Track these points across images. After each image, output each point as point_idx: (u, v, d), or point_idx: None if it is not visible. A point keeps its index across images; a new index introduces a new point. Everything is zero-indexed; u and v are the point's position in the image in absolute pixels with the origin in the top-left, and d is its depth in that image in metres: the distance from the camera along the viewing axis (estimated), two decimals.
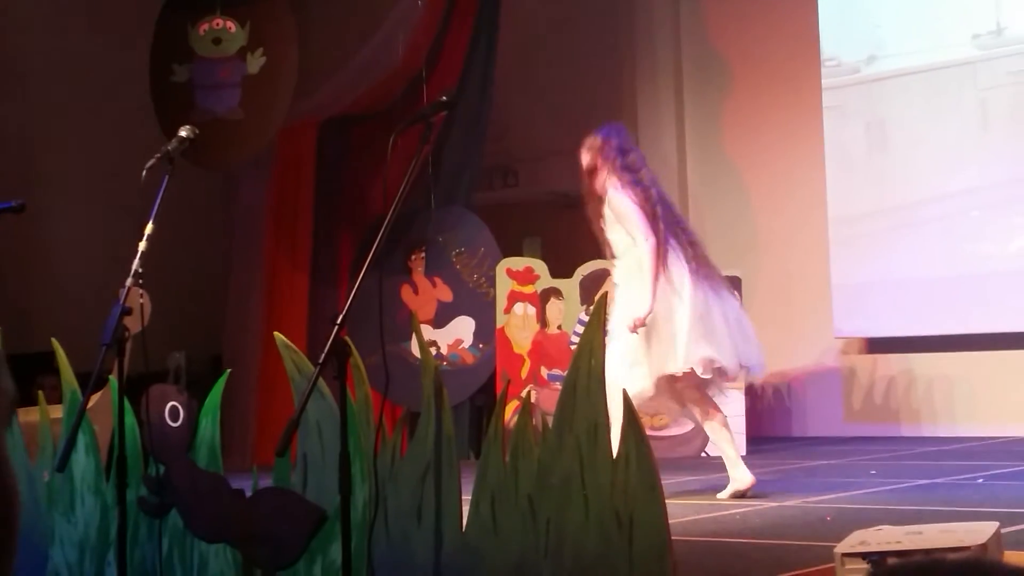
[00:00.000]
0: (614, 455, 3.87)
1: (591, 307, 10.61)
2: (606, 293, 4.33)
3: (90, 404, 4.88)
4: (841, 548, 3.93)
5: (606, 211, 7.20)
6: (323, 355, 3.93)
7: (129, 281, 4.56)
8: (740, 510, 6.30)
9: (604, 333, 3.97)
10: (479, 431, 11.15)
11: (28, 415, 5.80)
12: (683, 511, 6.08)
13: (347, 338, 4.07)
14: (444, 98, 4.29)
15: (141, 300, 4.71)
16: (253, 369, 11.41)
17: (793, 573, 4.29)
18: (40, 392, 5.69)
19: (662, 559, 3.80)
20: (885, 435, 11.29)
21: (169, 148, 4.70)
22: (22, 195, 7.18)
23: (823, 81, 11.70)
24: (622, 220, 7.13)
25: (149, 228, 4.64)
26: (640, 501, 3.83)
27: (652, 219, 7.12)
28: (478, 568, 4.14)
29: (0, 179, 10.03)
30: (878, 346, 11.81)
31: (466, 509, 4.21)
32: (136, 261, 4.58)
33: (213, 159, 10.77)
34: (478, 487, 4.17)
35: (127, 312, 4.49)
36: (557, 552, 3.97)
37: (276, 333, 4.73)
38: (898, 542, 3.87)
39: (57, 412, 5.54)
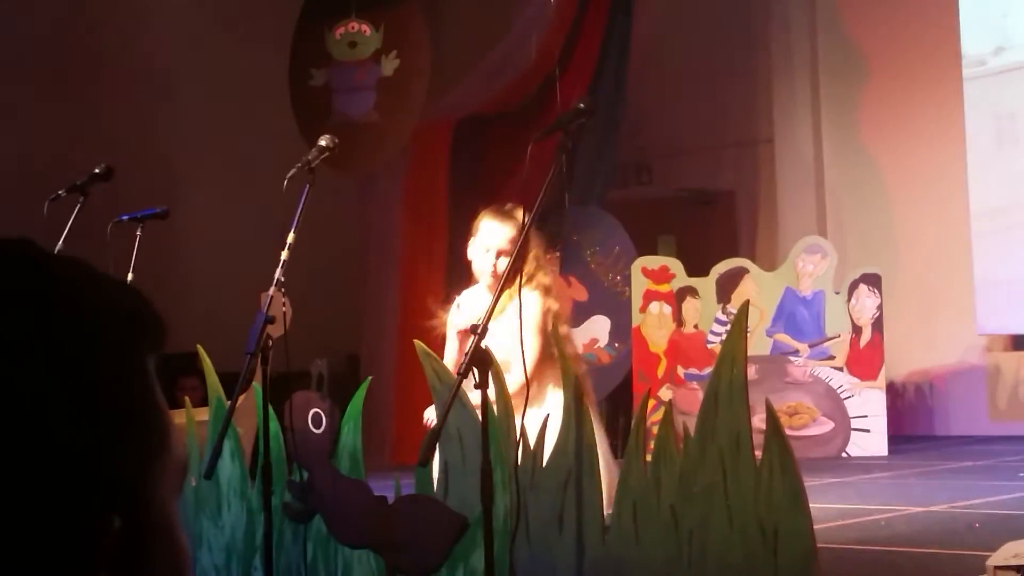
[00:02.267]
0: (757, 463, 3.83)
1: (727, 305, 10.52)
2: (748, 300, 4.27)
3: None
4: (994, 560, 3.84)
5: None
6: (464, 365, 3.94)
7: (272, 290, 4.62)
8: (886, 516, 6.20)
9: (746, 340, 3.92)
10: (615, 431, 11.12)
11: (174, 418, 5.92)
12: (826, 516, 5.99)
13: (487, 346, 4.06)
14: (582, 105, 4.27)
15: (284, 307, 4.76)
16: (390, 369, 11.49)
17: None
18: (186, 397, 5.78)
19: (808, 570, 3.75)
20: None
21: (309, 158, 4.75)
22: (165, 200, 7.34)
23: (964, 71, 11.48)
24: None
25: (291, 238, 4.69)
26: (785, 511, 3.78)
27: None
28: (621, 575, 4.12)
29: (145, 184, 10.22)
30: None
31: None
32: (278, 270, 4.63)
33: (350, 162, 10.86)
34: (620, 496, 4.15)
35: (270, 321, 4.55)
36: (700, 563, 3.94)
37: (416, 341, 4.74)
38: None
39: (202, 415, 5.63)
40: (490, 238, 5.23)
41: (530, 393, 4.26)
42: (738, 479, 3.87)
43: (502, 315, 4.62)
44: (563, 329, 4.98)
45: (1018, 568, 3.76)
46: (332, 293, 12.40)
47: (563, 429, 4.27)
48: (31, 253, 0.86)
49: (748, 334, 9.88)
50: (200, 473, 4.98)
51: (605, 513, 4.19)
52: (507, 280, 4.18)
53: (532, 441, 4.33)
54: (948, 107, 11.59)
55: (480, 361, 3.95)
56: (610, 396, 11.04)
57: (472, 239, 5.31)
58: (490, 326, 3.96)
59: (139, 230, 6.82)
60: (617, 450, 10.78)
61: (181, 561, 0.86)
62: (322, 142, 4.81)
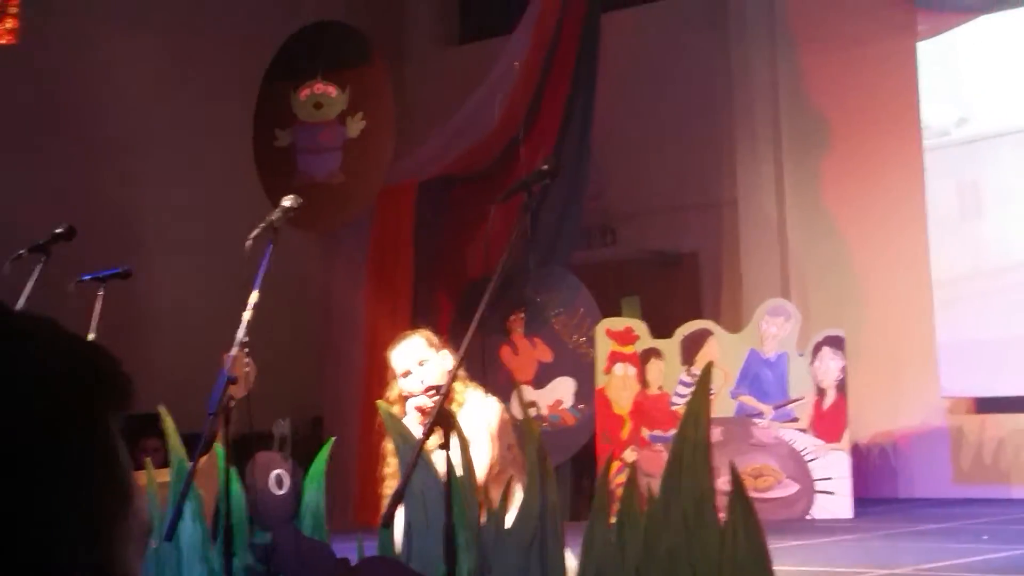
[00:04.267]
0: (721, 525, 3.82)
1: (691, 367, 10.53)
2: (711, 362, 4.27)
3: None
4: None
5: None
6: (427, 426, 3.92)
7: (234, 350, 4.59)
8: None
9: (709, 403, 3.92)
10: (579, 492, 11.09)
11: (135, 479, 5.86)
12: None
13: (452, 412, 4.06)
14: (545, 167, 4.28)
15: (247, 368, 4.74)
16: (354, 429, 11.44)
17: None
18: (147, 459, 5.73)
19: None
20: (996, 496, 11.06)
21: (273, 218, 4.74)
22: (128, 259, 7.31)
23: (926, 141, 11.60)
24: None
25: (254, 297, 4.67)
26: (748, 571, 3.77)
27: None
28: None
29: (105, 245, 10.18)
30: (987, 406, 11.60)
31: None
32: (241, 330, 4.61)
33: (314, 222, 10.86)
34: (585, 558, 4.13)
35: (233, 381, 4.52)
36: None
37: (379, 402, 4.73)
38: None
39: (163, 476, 5.58)
40: (401, 362, 5.20)
41: (493, 478, 4.28)
42: (702, 541, 3.86)
43: (460, 410, 4.67)
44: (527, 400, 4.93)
45: None
46: (295, 353, 12.37)
47: (527, 492, 4.25)
48: None
49: (712, 396, 9.89)
50: (161, 535, 4.93)
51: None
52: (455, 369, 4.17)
53: (496, 504, 4.31)
54: (909, 174, 11.69)
55: (444, 423, 3.94)
56: (574, 458, 11.02)
57: (392, 384, 5.26)
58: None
59: (101, 290, 6.79)
60: (580, 513, 10.78)
61: None
62: (286, 203, 4.80)
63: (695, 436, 3.89)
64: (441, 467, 4.13)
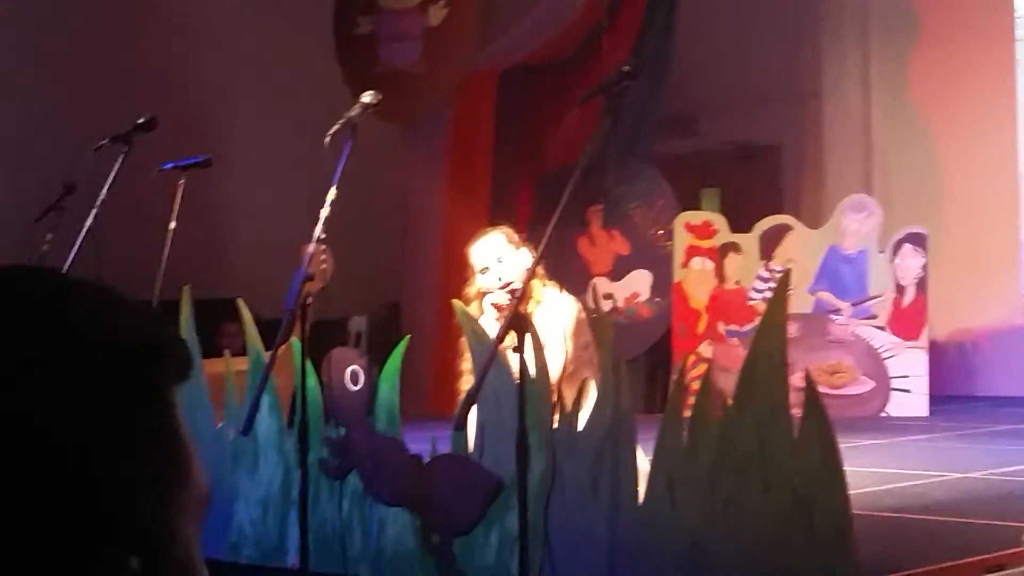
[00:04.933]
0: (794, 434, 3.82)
1: (770, 262, 10.46)
2: (790, 270, 4.23)
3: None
4: None
5: None
6: (502, 329, 3.93)
7: (312, 247, 4.61)
8: (923, 482, 6.17)
9: (786, 311, 3.89)
10: (653, 385, 11.11)
11: (213, 367, 5.93)
12: (863, 481, 5.96)
13: (528, 313, 4.06)
14: (626, 68, 4.22)
15: (323, 264, 4.76)
16: (430, 319, 11.50)
17: (979, 557, 4.18)
18: (225, 350, 5.80)
19: (844, 542, 3.74)
20: None
21: (352, 115, 4.72)
22: (209, 149, 7.34)
23: (1017, 32, 11.33)
24: None
25: (332, 194, 4.67)
26: (821, 484, 3.77)
27: None
28: (654, 542, 4.12)
29: (189, 134, 10.21)
30: None
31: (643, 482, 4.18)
32: (318, 227, 4.62)
33: (395, 112, 10.82)
34: (656, 462, 4.14)
35: (309, 278, 4.54)
36: (735, 530, 3.93)
37: (455, 302, 4.74)
38: None
39: (241, 364, 5.64)
40: (480, 259, 5.16)
41: (567, 377, 4.29)
42: (775, 449, 3.85)
43: (536, 308, 4.66)
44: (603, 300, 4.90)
45: None
46: (374, 242, 12.41)
47: (600, 395, 4.26)
48: (51, 281, 0.85)
49: (790, 292, 9.85)
50: (238, 429, 5.00)
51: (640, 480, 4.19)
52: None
53: (569, 406, 4.32)
54: (1000, 70, 11.45)
55: (519, 325, 3.94)
56: (649, 351, 11.02)
57: (470, 281, 5.22)
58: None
59: (182, 178, 6.83)
60: (655, 405, 10.81)
61: None
62: (365, 98, 4.78)
63: (771, 345, 3.87)
64: (516, 368, 4.14)
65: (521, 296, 4.01)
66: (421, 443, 4.79)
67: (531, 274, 4.22)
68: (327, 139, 4.65)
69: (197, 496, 0.85)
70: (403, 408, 10.29)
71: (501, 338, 3.95)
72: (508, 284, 5.00)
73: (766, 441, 3.86)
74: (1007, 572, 3.95)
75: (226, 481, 5.40)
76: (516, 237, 5.30)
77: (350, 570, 4.88)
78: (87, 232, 6.07)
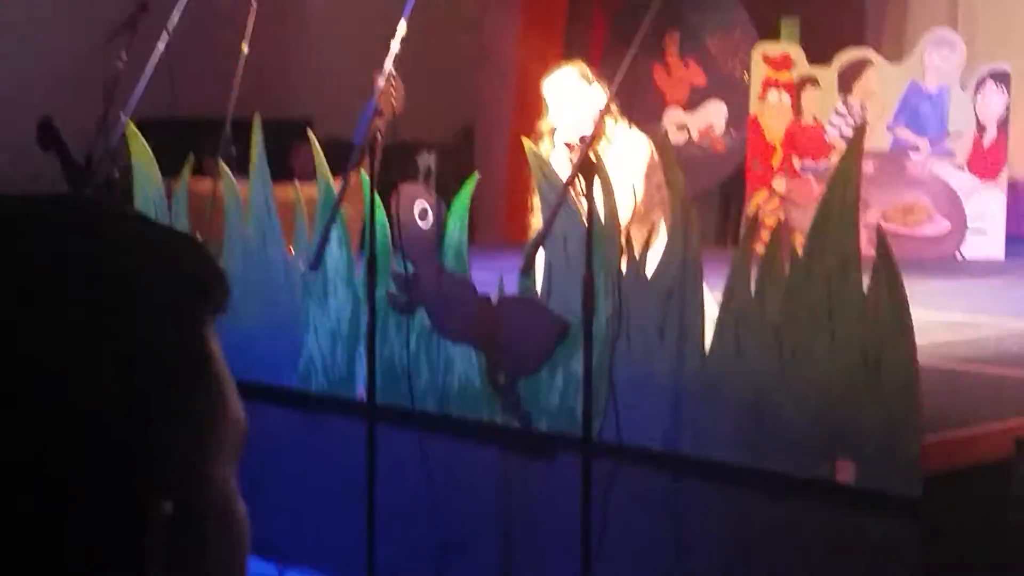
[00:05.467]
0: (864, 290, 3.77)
1: (848, 97, 10.27)
2: (865, 124, 4.13)
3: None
4: None
5: None
6: (571, 173, 3.89)
7: (381, 82, 4.56)
8: (994, 332, 6.10)
9: (860, 162, 3.81)
10: (726, 218, 11.04)
11: (283, 192, 5.94)
12: (935, 330, 5.91)
13: (595, 151, 4.01)
14: None
15: (393, 95, 4.71)
16: (503, 144, 11.44)
17: None
18: (295, 182, 5.80)
19: (908, 400, 3.72)
20: None
21: None
22: None
23: None
24: None
25: (402, 28, 4.60)
26: (889, 340, 3.74)
27: None
28: (719, 390, 4.12)
29: None
30: None
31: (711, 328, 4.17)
32: (388, 61, 4.57)
33: None
34: (724, 310, 4.12)
35: (379, 113, 4.51)
36: (800, 383, 3.92)
37: (525, 139, 4.69)
38: None
39: (311, 192, 5.63)
40: (553, 95, 5.06)
41: (637, 217, 4.25)
42: (844, 302, 3.82)
43: (608, 146, 4.59)
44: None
45: None
46: (447, 68, 12.30)
47: (670, 242, 4.22)
48: (86, 211, 0.82)
49: (868, 128, 9.65)
50: (307, 263, 5.01)
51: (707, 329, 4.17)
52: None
53: (637, 252, 4.29)
54: None
55: (587, 170, 3.90)
56: (723, 185, 10.93)
57: (543, 116, 5.13)
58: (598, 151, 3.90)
59: (254, 1, 6.76)
60: (727, 239, 10.75)
61: (239, 541, 0.84)
62: None
63: (843, 196, 3.80)
64: (585, 211, 4.11)
65: (591, 140, 3.95)
66: (491, 272, 4.77)
67: (603, 115, 4.15)
68: None
69: (234, 432, 0.84)
70: (475, 235, 10.30)
71: (571, 183, 3.91)
72: (579, 123, 4.94)
73: (835, 295, 3.82)
74: None
75: (296, 311, 5.44)
76: (589, 73, 5.22)
77: (416, 404, 4.93)
78: (160, 55, 6.05)
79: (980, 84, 10.09)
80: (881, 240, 3.72)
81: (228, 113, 6.66)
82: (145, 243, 0.81)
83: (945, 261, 9.71)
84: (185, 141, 7.12)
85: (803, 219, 9.97)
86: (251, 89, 6.78)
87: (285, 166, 10.22)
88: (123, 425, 0.77)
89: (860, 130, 3.79)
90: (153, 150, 6.10)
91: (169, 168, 6.15)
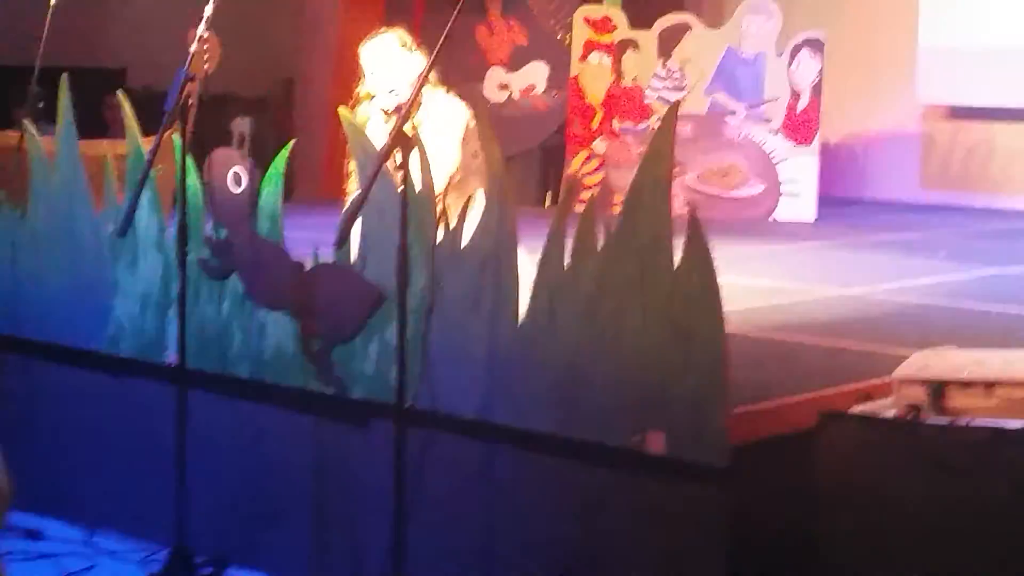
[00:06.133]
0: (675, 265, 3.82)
1: (667, 61, 10.39)
2: (678, 102, 4.16)
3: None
4: (900, 372, 3.88)
5: None
6: (386, 145, 3.85)
7: (194, 46, 4.46)
8: (803, 299, 6.25)
9: (673, 140, 3.84)
10: (547, 176, 11.10)
11: (94, 148, 5.78)
12: (746, 297, 6.02)
13: (412, 121, 3.98)
14: None
15: (207, 57, 4.61)
16: (323, 101, 11.33)
17: (852, 387, 4.25)
18: (104, 144, 5.66)
19: (717, 373, 3.78)
20: (959, 204, 11.14)
21: None
22: None
23: None
24: None
25: None
26: (699, 314, 3.78)
27: None
28: (532, 361, 4.13)
29: None
30: (961, 114, 11.55)
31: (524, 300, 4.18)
32: (202, 26, 4.47)
33: None
34: (539, 281, 4.13)
35: (191, 79, 4.41)
36: (612, 355, 3.96)
37: (341, 109, 4.64)
38: (960, 370, 3.81)
39: (121, 148, 5.48)
40: (371, 61, 5.04)
41: (453, 185, 4.24)
42: (655, 276, 3.85)
43: (424, 114, 4.56)
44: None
45: (924, 381, 3.79)
46: (268, 15, 12.13)
47: (485, 212, 4.22)
48: None
49: (686, 92, 9.77)
50: (115, 229, 4.90)
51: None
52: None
53: (453, 222, 4.28)
54: None
55: (403, 142, 3.87)
56: (543, 145, 10.99)
57: (360, 82, 5.11)
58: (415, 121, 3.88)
59: None
60: (545, 200, 10.80)
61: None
62: None
63: (656, 173, 3.83)
64: (400, 182, 4.08)
65: (407, 110, 3.92)
66: (308, 232, 4.70)
67: (420, 83, 4.12)
68: None
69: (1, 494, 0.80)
70: (299, 189, 10.11)
71: (386, 155, 3.87)
72: (395, 91, 4.92)
73: (647, 269, 3.86)
74: (876, 403, 4.02)
75: (104, 273, 5.32)
76: (409, 40, 5.17)
77: (229, 370, 4.86)
78: None
79: (795, 51, 10.29)
80: (692, 216, 3.76)
81: (36, 65, 6.46)
82: None
83: (760, 223, 9.92)
84: None
85: (622, 180, 10.08)
86: (64, 37, 6.59)
87: (98, 118, 9.99)
88: None
89: (672, 109, 3.82)
90: None
91: None
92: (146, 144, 5.03)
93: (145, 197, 5.00)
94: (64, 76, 5.39)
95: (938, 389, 3.78)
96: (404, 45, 5.10)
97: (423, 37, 5.46)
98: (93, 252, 5.36)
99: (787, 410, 4.14)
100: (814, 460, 3.84)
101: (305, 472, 4.72)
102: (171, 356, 5.00)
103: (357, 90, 5.21)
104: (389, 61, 5.04)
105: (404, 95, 4.91)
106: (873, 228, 9.55)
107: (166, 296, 5.10)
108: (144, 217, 5.11)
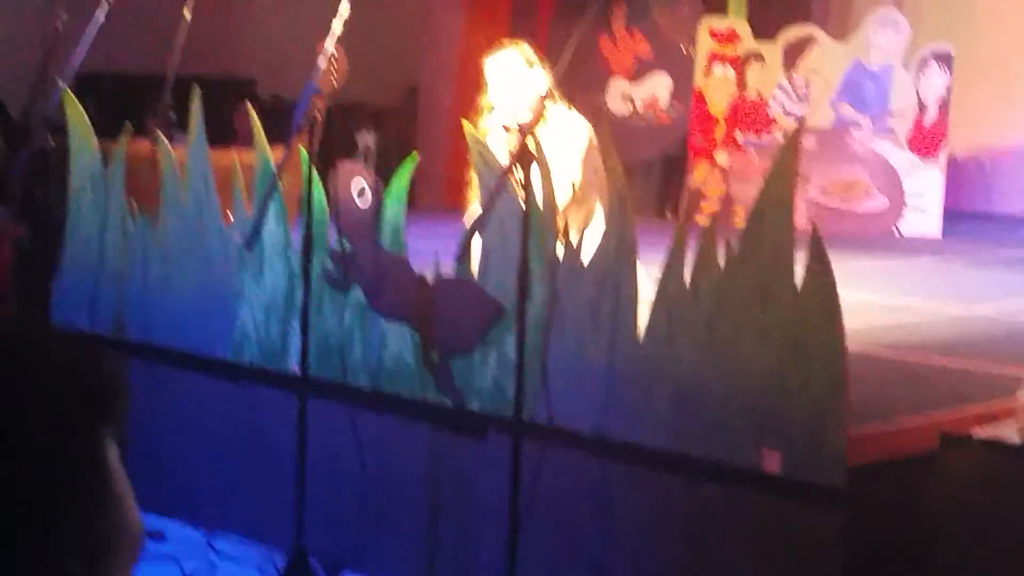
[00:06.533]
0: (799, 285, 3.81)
1: (792, 73, 10.32)
2: (800, 129, 4.13)
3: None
4: (1023, 395, 3.83)
5: None
6: (509, 163, 3.89)
7: (322, 62, 4.54)
8: (928, 318, 6.17)
9: (797, 160, 3.84)
10: (669, 188, 11.07)
11: (221, 158, 5.89)
12: (868, 311, 5.96)
13: (534, 137, 4.02)
14: None
15: (334, 73, 4.68)
16: (446, 111, 11.41)
17: (973, 409, 4.20)
18: (233, 156, 5.76)
19: (837, 393, 3.77)
20: None
21: None
22: None
23: None
24: None
25: (344, 7, 4.58)
26: (819, 334, 3.77)
27: None
28: (650, 379, 4.15)
29: None
30: None
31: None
32: (330, 40, 4.55)
33: None
34: (658, 300, 4.14)
35: (318, 94, 4.49)
36: (730, 376, 3.95)
37: (465, 122, 4.69)
38: None
39: (249, 157, 5.58)
40: (494, 78, 5.06)
41: (576, 200, 4.27)
42: (776, 299, 3.85)
43: (546, 130, 4.58)
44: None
45: None
46: (393, 25, 12.23)
47: (606, 230, 4.24)
48: None
49: (812, 105, 9.67)
50: (244, 240, 4.99)
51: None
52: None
53: (573, 238, 4.31)
54: None
55: (525, 159, 3.91)
56: (666, 156, 10.96)
57: (484, 94, 5.13)
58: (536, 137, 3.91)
59: None
60: (665, 211, 10.78)
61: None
62: None
63: (779, 194, 3.82)
64: (523, 196, 4.11)
65: (530, 127, 3.96)
66: (430, 242, 4.75)
67: (543, 101, 4.15)
68: None
69: (131, 541, 0.84)
70: (419, 199, 10.13)
71: (508, 170, 3.91)
72: (518, 108, 4.96)
73: (768, 288, 3.86)
74: (999, 426, 3.98)
75: (231, 281, 5.42)
76: (533, 56, 5.21)
77: (349, 379, 4.93)
78: (101, 16, 6.01)
79: (923, 64, 10.16)
80: (815, 237, 3.75)
81: (168, 78, 6.61)
82: (44, 363, 0.81)
83: (883, 237, 9.80)
84: (128, 98, 7.07)
85: (745, 193, 10.03)
86: (195, 46, 6.73)
87: (227, 126, 10.17)
88: (24, 540, 0.77)
89: (797, 131, 3.82)
90: (95, 106, 6.05)
91: (111, 126, 6.08)
92: (273, 154, 5.13)
93: (272, 209, 5.10)
94: (196, 88, 5.51)
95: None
96: (528, 63, 5.14)
97: (548, 46, 5.50)
98: (221, 261, 5.47)
99: (907, 432, 4.11)
100: (934, 484, 3.81)
101: (421, 481, 4.78)
102: (294, 365, 5.08)
103: (480, 100, 5.27)
104: (512, 79, 5.09)
105: (526, 112, 4.94)
106: (1000, 244, 9.39)
107: (290, 305, 5.19)
108: (271, 228, 5.20)
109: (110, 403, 0.84)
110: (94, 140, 5.94)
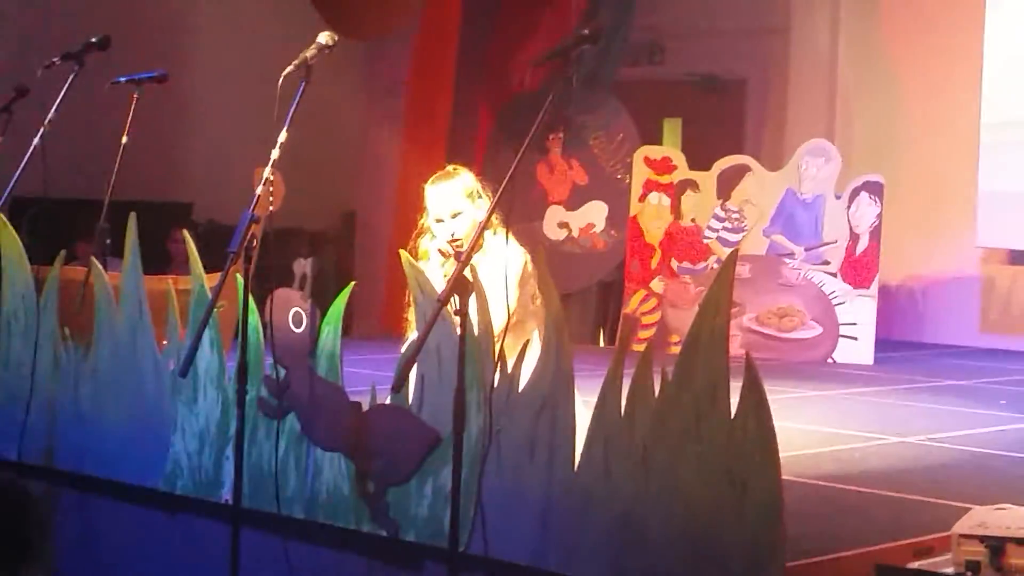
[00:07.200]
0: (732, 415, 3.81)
1: (727, 202, 10.45)
2: (736, 251, 4.17)
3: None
4: (959, 528, 3.84)
5: None
6: (445, 291, 3.89)
7: (259, 189, 4.54)
8: (862, 445, 6.20)
9: (731, 289, 3.86)
10: (605, 315, 11.13)
11: (156, 284, 5.86)
12: (803, 441, 5.99)
13: (471, 266, 4.03)
14: (585, 32, 4.18)
15: (271, 200, 4.67)
16: (384, 236, 11.45)
17: (908, 541, 4.20)
18: (169, 281, 5.74)
19: (772, 524, 3.75)
20: (1021, 349, 11.04)
21: (308, 55, 4.63)
22: (165, 65, 7.22)
23: None
24: None
25: (283, 136, 4.59)
26: (755, 465, 3.77)
27: None
28: (587, 510, 4.12)
29: (140, 54, 10.02)
30: (1021, 258, 11.51)
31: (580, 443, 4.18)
32: (267, 169, 4.55)
33: (358, 28, 10.67)
34: (594, 429, 4.13)
35: (256, 221, 4.48)
36: (668, 503, 3.94)
37: (402, 251, 4.70)
38: (1020, 528, 3.76)
39: (186, 283, 5.56)
40: (435, 206, 5.12)
41: (511, 327, 4.27)
42: (711, 427, 3.85)
43: (483, 257, 4.60)
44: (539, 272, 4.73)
45: (982, 538, 3.75)
46: (332, 150, 12.29)
47: (542, 357, 4.23)
48: None
49: (745, 233, 9.81)
50: (177, 368, 4.95)
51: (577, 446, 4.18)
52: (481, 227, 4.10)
53: (510, 366, 4.30)
54: (971, 13, 11.39)
55: (463, 287, 3.91)
56: (601, 283, 11.03)
57: (423, 217, 5.20)
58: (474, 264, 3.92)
59: (136, 93, 6.74)
60: (600, 337, 10.80)
61: None
62: (321, 39, 4.70)
63: (713, 322, 3.84)
64: (458, 325, 4.11)
65: (467, 256, 3.97)
66: (367, 367, 4.72)
67: (481, 230, 4.17)
68: (280, 82, 4.55)
69: None
70: (357, 324, 10.10)
71: (445, 300, 3.91)
72: (457, 241, 4.98)
73: (703, 419, 3.85)
74: (936, 559, 3.98)
75: (165, 409, 5.37)
76: (474, 185, 5.23)
77: (283, 510, 4.87)
78: (37, 142, 6.02)
79: (854, 194, 10.33)
80: (749, 366, 3.75)
81: (104, 204, 6.60)
82: None
83: (817, 365, 9.87)
84: (62, 223, 7.04)
85: (679, 320, 10.10)
86: (131, 172, 6.73)
87: (163, 252, 10.14)
88: None
89: (730, 258, 3.84)
90: (28, 230, 6.01)
91: (44, 250, 6.04)
92: (209, 281, 5.11)
93: (207, 336, 5.07)
94: (132, 215, 5.50)
95: (997, 547, 3.73)
96: (468, 195, 5.16)
97: (484, 172, 5.53)
98: (154, 388, 5.42)
99: (843, 564, 4.10)
100: None
101: None
102: (227, 495, 5.01)
103: (421, 222, 5.28)
104: (452, 208, 5.11)
105: (464, 241, 4.96)
106: (932, 373, 9.48)
107: (224, 434, 5.14)
108: (205, 355, 5.17)
109: (34, 545, 0.82)
110: (27, 266, 5.90)
